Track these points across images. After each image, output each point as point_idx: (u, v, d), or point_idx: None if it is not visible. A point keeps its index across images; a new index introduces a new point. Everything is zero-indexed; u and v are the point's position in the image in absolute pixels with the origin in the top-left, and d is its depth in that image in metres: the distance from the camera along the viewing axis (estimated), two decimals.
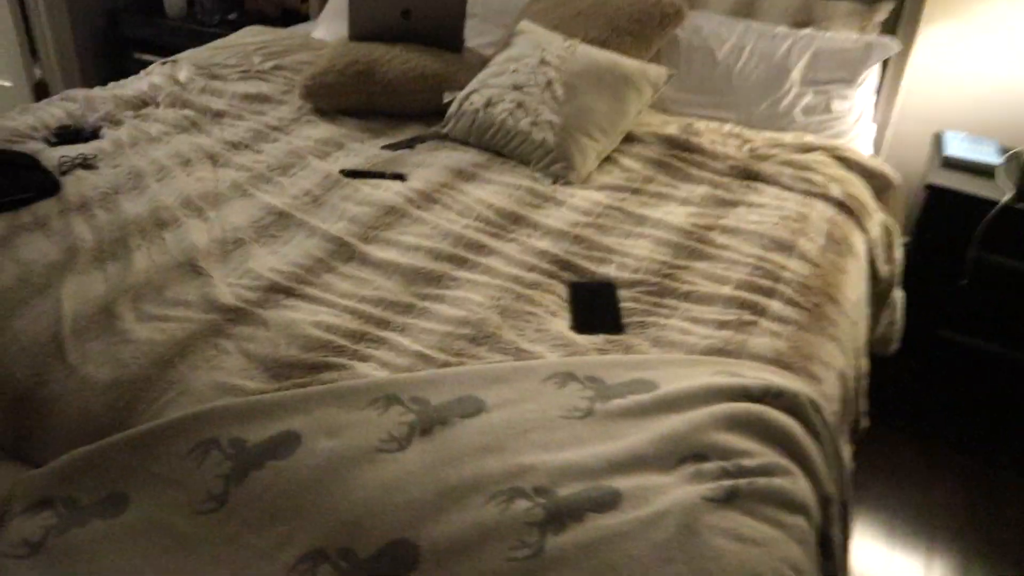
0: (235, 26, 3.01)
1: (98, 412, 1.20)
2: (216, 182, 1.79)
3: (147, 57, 3.24)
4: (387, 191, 1.78)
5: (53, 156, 1.82)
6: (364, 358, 1.27)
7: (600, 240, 1.65)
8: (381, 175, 1.87)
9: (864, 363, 1.67)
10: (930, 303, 2.37)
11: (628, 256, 1.60)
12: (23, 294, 1.36)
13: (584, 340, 1.35)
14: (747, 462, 1.10)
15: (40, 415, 1.23)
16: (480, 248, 1.59)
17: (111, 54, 3.46)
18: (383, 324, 1.35)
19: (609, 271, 1.56)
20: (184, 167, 1.83)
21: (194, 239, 1.54)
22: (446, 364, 1.26)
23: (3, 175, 1.64)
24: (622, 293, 1.49)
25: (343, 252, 1.55)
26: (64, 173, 1.76)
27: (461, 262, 1.54)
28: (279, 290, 1.42)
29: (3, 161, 1.68)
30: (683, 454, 1.10)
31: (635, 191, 1.88)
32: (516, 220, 1.71)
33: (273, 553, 1.03)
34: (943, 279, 2.33)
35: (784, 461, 1.13)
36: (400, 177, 1.86)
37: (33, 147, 1.87)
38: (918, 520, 1.98)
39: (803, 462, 1.15)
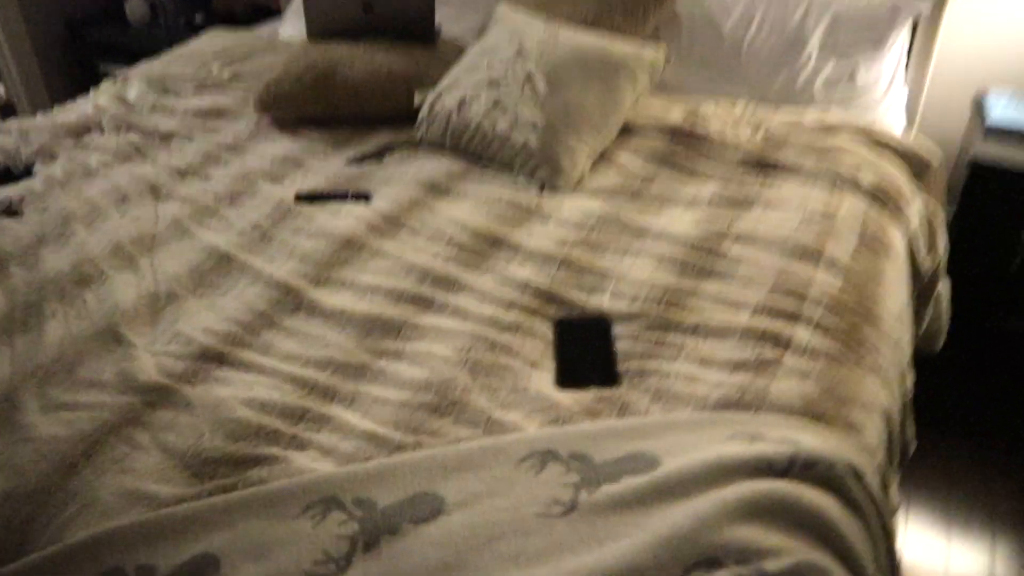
0: (202, 29, 2.79)
1: None
2: (155, 221, 1.57)
3: (112, 67, 3.04)
4: (347, 217, 1.55)
5: None
6: (302, 445, 1.06)
7: (592, 262, 1.41)
8: (343, 196, 1.65)
9: (910, 378, 1.43)
10: (977, 290, 2.11)
11: (625, 281, 1.36)
12: None
13: (570, 399, 1.12)
14: (771, 565, 0.86)
15: None
16: (451, 284, 1.37)
17: (77, 66, 3.25)
18: (328, 396, 1.14)
19: (602, 302, 1.32)
20: (119, 206, 1.62)
21: (119, 298, 1.33)
22: (400, 447, 1.04)
23: None
24: (618, 330, 1.26)
25: (289, 301, 1.33)
26: None
27: (426, 304, 1.32)
28: (211, 357, 1.21)
29: None
30: (690, 560, 0.87)
31: (634, 194, 1.64)
32: (495, 243, 1.48)
33: None
34: (991, 263, 2.06)
35: (818, 555, 0.89)
36: (364, 197, 1.64)
37: None
38: (979, 511, 1.78)
39: (842, 552, 0.91)
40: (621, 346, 1.23)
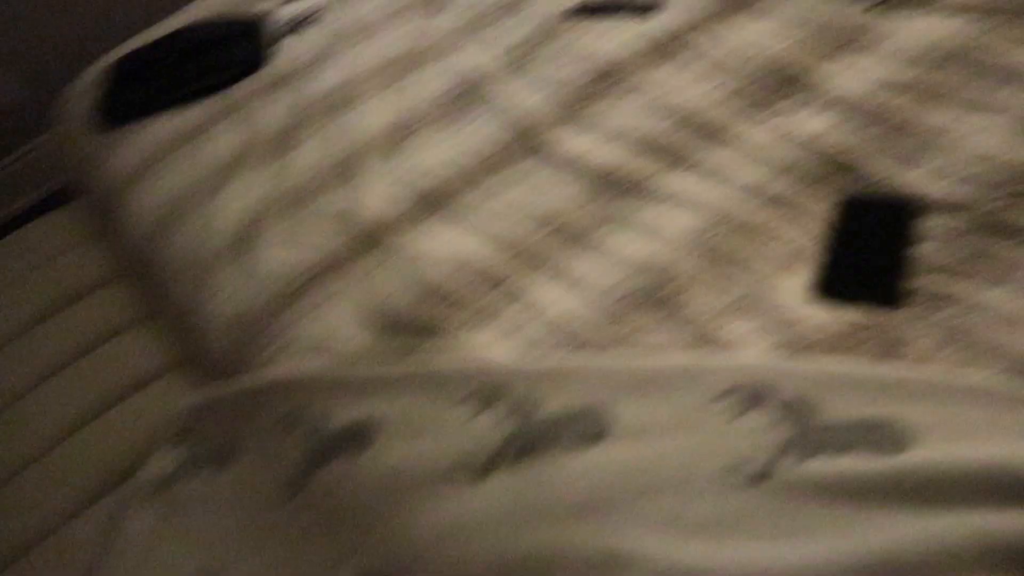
0: None
1: (221, 351, 1.09)
2: (421, 36, 1.47)
3: None
4: (617, 37, 1.31)
5: (281, 17, 1.66)
6: (486, 318, 0.94)
7: (920, 117, 1.02)
8: (623, 8, 1.39)
9: None
10: None
11: (957, 151, 0.96)
12: (189, 203, 1.27)
13: (821, 318, 0.84)
14: None
15: (191, 340, 1.17)
16: (715, 133, 1.09)
17: None
18: (534, 263, 0.99)
19: (914, 179, 0.95)
20: (393, 18, 1.54)
21: (367, 124, 1.29)
22: (586, 344, 0.88)
23: (215, 51, 1.53)
24: (927, 224, 0.90)
25: (526, 142, 1.17)
26: (279, 39, 1.59)
27: (677, 159, 1.07)
28: (430, 202, 1.12)
29: (215, 37, 1.57)
30: None
31: (1016, 15, 1.13)
32: (789, 80, 1.13)
33: (330, 569, 0.84)
34: None
35: None
36: (648, 8, 1.36)
37: (268, 6, 1.72)
38: None
39: None
40: (924, 249, 0.88)
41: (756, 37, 1.22)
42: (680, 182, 1.04)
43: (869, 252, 0.89)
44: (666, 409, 0.78)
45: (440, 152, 1.19)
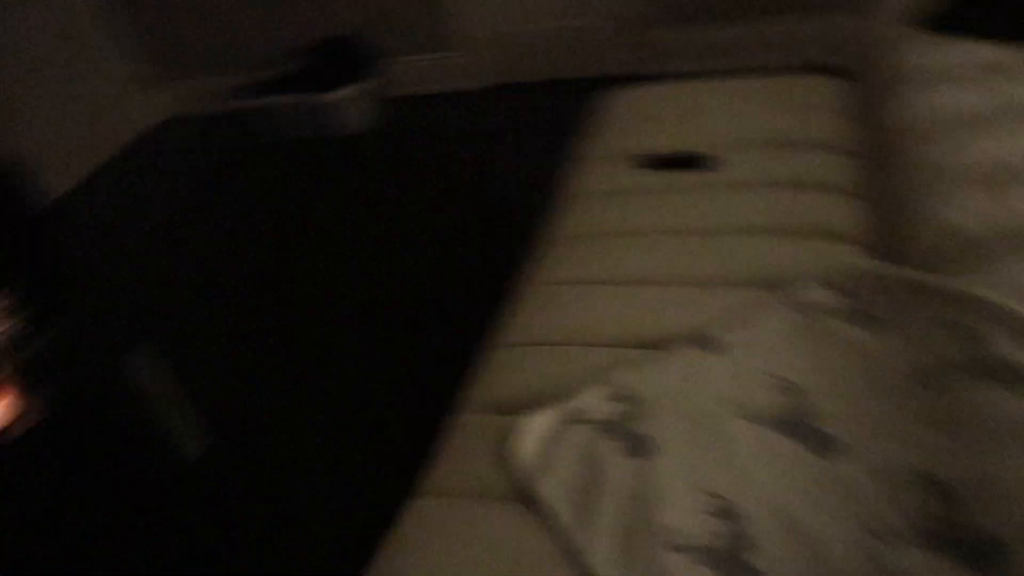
0: None
1: (922, 246, 1.24)
2: None
3: None
4: None
5: None
6: None
7: None
8: None
9: None
10: None
11: None
12: (967, 123, 1.38)
13: None
14: None
15: (895, 223, 1.34)
16: None
17: None
18: None
19: None
20: None
21: None
22: None
23: None
24: None
25: None
26: None
27: None
28: None
29: None
30: None
31: None
32: None
33: (915, 449, 1.00)
34: None
35: None
36: None
37: None
38: None
39: None
40: None
41: None
42: None
43: None
44: None
45: None
